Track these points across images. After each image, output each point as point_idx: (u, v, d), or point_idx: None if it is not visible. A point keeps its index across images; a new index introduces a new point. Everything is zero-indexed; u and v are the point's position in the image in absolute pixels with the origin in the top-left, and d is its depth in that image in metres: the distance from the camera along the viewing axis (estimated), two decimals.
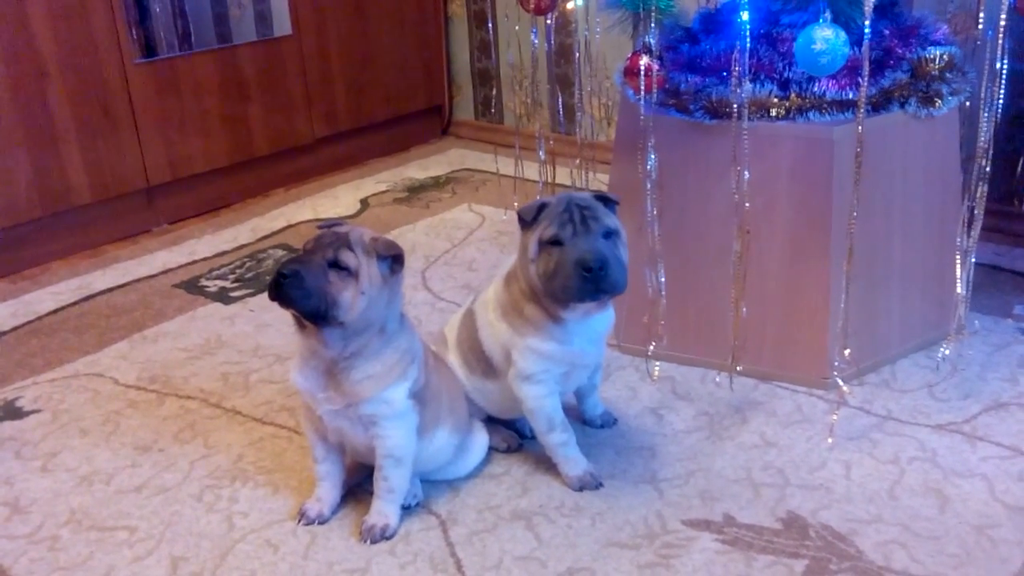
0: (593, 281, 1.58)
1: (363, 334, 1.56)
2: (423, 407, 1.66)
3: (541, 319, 1.70)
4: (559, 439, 1.77)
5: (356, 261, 1.54)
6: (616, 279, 1.61)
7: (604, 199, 1.70)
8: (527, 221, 1.68)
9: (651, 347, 2.09)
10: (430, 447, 1.71)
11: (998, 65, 1.84)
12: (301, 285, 1.50)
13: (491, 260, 2.84)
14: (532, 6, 2.56)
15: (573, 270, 1.58)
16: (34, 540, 1.73)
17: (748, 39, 1.86)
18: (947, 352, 2.08)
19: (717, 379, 2.09)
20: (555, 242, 1.62)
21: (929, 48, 2.06)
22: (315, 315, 1.52)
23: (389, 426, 1.61)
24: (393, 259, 1.59)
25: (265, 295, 2.62)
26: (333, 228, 1.59)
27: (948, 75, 2.05)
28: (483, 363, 1.81)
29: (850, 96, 1.98)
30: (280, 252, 2.99)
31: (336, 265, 1.53)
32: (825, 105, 1.99)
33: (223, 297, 2.70)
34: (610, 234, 1.64)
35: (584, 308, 1.67)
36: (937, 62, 2.04)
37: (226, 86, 3.32)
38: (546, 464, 1.83)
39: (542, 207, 1.67)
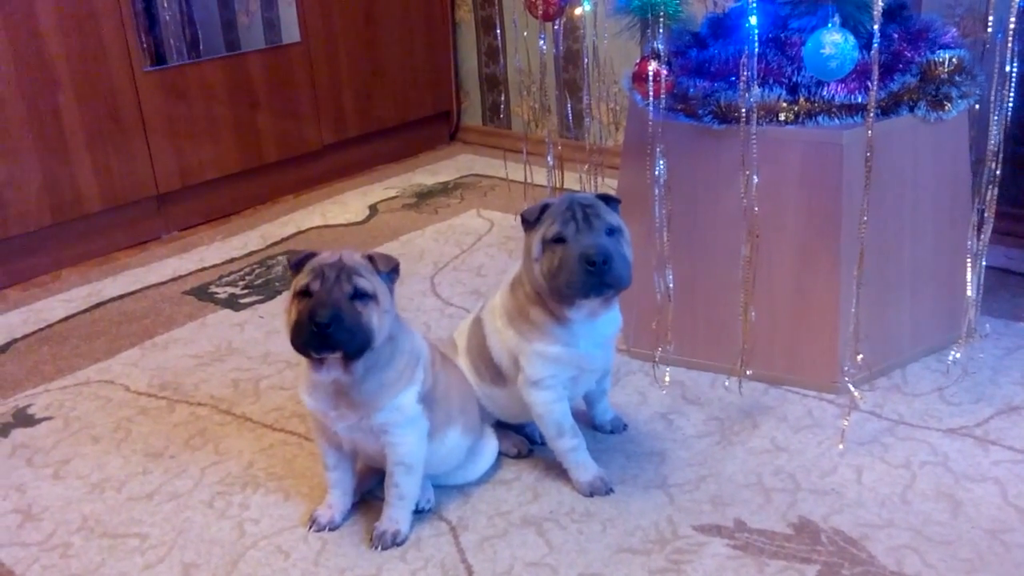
0: (597, 275, 1.59)
1: (380, 348, 1.56)
2: (433, 409, 1.66)
3: (547, 322, 1.70)
4: (569, 444, 1.77)
5: (371, 285, 1.53)
6: (620, 273, 1.61)
7: (606, 198, 1.70)
8: (530, 222, 1.69)
9: (659, 351, 2.09)
10: (442, 448, 1.71)
11: (1008, 68, 1.84)
12: (343, 327, 1.47)
13: (500, 266, 2.84)
14: (540, 12, 2.57)
15: (577, 265, 1.59)
16: (46, 547, 1.73)
17: (757, 43, 1.86)
18: (958, 356, 2.07)
19: (726, 383, 2.09)
20: (558, 240, 1.63)
21: (938, 51, 2.05)
22: (360, 351, 1.51)
23: (400, 433, 1.61)
24: (391, 271, 1.59)
25: (274, 302, 2.66)
26: (315, 258, 1.56)
27: (957, 78, 2.04)
28: (492, 370, 1.81)
29: (859, 100, 1.98)
30: None
31: (356, 295, 1.51)
32: (834, 109, 1.99)
33: (233, 304, 2.71)
34: (613, 231, 1.65)
35: (589, 306, 1.68)
36: (946, 65, 2.04)
37: (235, 93, 3.34)
38: (556, 470, 1.82)
39: (545, 207, 1.68)
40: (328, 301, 1.48)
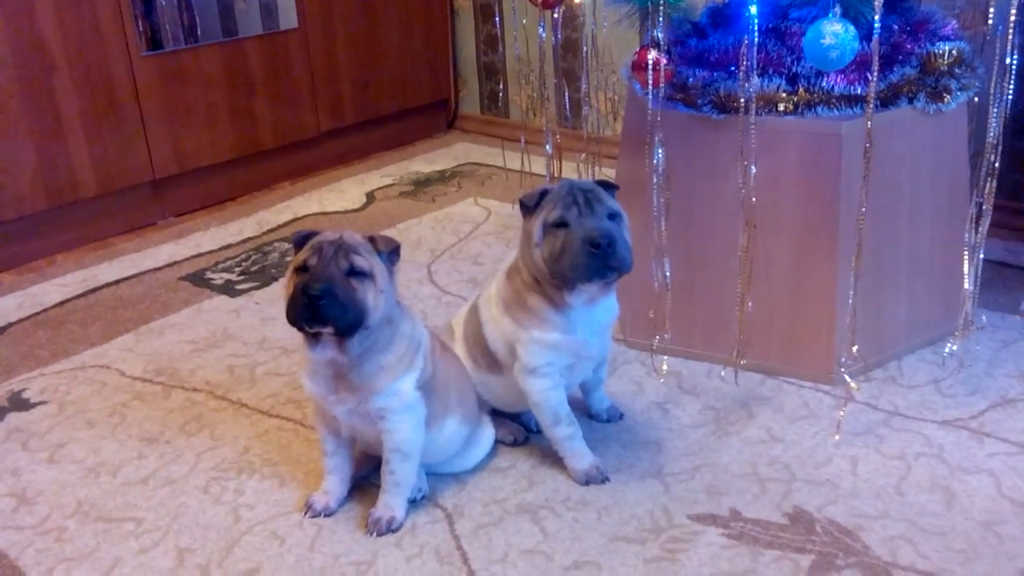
0: (602, 257, 1.59)
1: (377, 330, 1.57)
2: (431, 397, 1.66)
3: (544, 309, 1.70)
4: (565, 433, 1.78)
5: (368, 263, 1.54)
6: (623, 256, 1.62)
7: (604, 184, 1.71)
8: (529, 207, 1.69)
9: (656, 340, 2.09)
10: (439, 437, 1.71)
11: (1008, 60, 1.84)
12: (336, 301, 1.48)
13: (497, 254, 2.84)
14: (540, 0, 2.56)
15: (581, 247, 1.59)
16: (41, 531, 1.73)
17: (756, 33, 1.85)
18: (954, 348, 2.07)
19: (722, 374, 2.09)
20: (561, 224, 1.63)
21: (938, 43, 2.05)
22: (352, 327, 1.51)
23: (397, 420, 1.61)
24: (391, 252, 1.60)
25: (270, 288, 2.66)
26: (317, 236, 1.57)
27: (957, 70, 2.04)
28: (488, 357, 1.81)
29: (859, 91, 1.98)
30: (286, 245, 2.99)
31: (352, 272, 1.52)
32: (833, 100, 1.98)
33: (229, 290, 2.71)
34: (613, 216, 1.65)
35: (590, 291, 1.68)
36: (946, 57, 2.04)
37: (232, 79, 3.32)
38: (552, 458, 1.83)
39: (544, 193, 1.68)
40: (322, 275, 1.49)
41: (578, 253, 1.59)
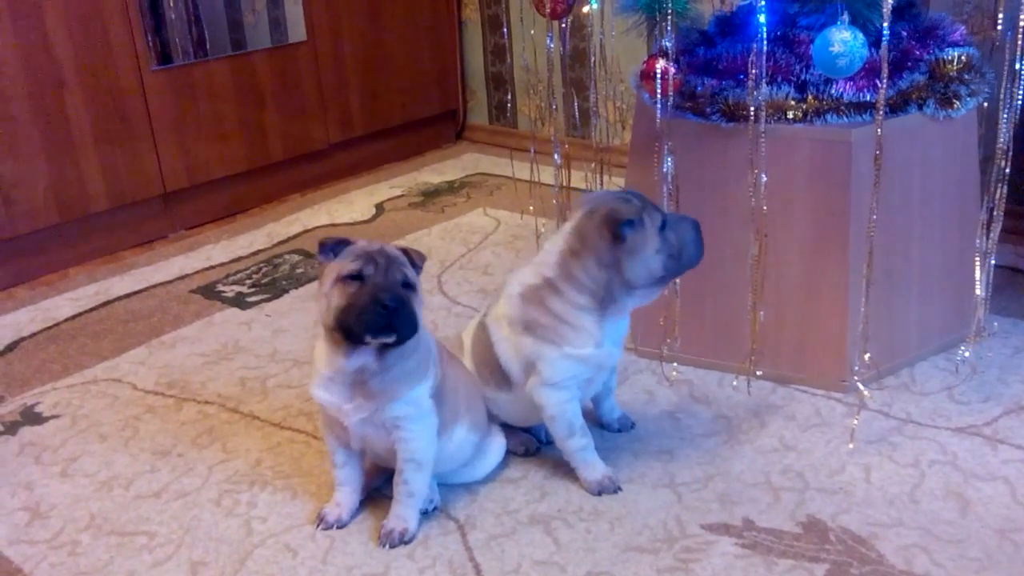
0: None
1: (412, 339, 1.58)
2: (441, 405, 1.66)
3: (590, 325, 1.71)
4: (578, 444, 1.77)
5: (414, 275, 1.56)
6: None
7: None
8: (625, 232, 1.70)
9: (665, 345, 2.09)
10: (450, 445, 1.71)
11: (1017, 66, 1.83)
12: (407, 311, 1.50)
13: (506, 264, 2.84)
14: (547, 10, 2.56)
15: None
16: (54, 545, 1.73)
17: (765, 41, 1.85)
18: (966, 354, 2.07)
19: (734, 383, 2.09)
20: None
21: (947, 49, 2.04)
22: (409, 337, 1.52)
23: (413, 428, 1.62)
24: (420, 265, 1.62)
25: (280, 300, 2.66)
26: (354, 245, 1.57)
27: (966, 76, 2.04)
28: (497, 375, 1.80)
29: (868, 98, 1.97)
30: (296, 257, 3.00)
31: (405, 284, 1.53)
32: (843, 107, 1.98)
33: (240, 302, 2.71)
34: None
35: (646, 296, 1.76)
36: (955, 63, 2.03)
37: (241, 92, 3.34)
38: (564, 468, 1.82)
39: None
40: (385, 287, 1.50)
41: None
